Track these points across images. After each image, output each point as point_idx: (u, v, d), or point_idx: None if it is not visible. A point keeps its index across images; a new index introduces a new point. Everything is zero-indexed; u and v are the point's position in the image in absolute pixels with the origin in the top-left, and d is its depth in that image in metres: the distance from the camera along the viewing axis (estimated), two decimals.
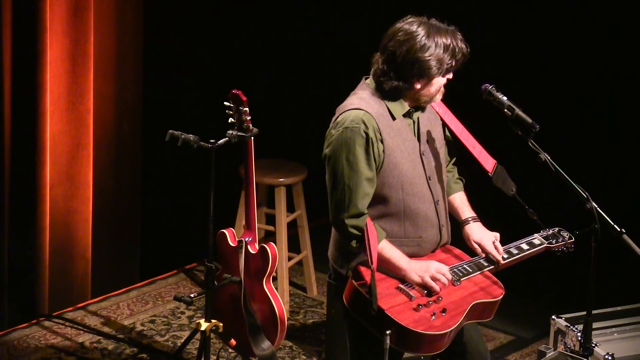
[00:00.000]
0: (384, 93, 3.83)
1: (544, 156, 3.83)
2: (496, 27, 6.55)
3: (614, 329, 4.78)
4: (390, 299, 3.75)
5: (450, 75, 3.83)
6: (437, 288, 3.82)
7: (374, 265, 3.67)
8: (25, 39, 5.46)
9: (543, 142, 3.89)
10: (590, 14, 6.35)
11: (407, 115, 3.87)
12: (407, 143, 3.85)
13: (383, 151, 3.79)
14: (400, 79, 3.79)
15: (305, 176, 5.98)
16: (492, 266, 3.97)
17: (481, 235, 4.02)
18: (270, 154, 5.97)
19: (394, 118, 3.83)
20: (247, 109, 4.79)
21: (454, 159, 4.14)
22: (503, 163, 4.06)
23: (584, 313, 3.96)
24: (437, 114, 4.01)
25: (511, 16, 6.57)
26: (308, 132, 6.93)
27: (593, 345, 4.12)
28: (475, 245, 4.01)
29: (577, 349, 4.39)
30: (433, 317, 3.74)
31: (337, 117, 3.83)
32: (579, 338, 4.27)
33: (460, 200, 4.10)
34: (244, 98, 4.77)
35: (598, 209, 3.81)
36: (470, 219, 4.06)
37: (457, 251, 4.03)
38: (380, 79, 3.83)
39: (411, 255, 3.88)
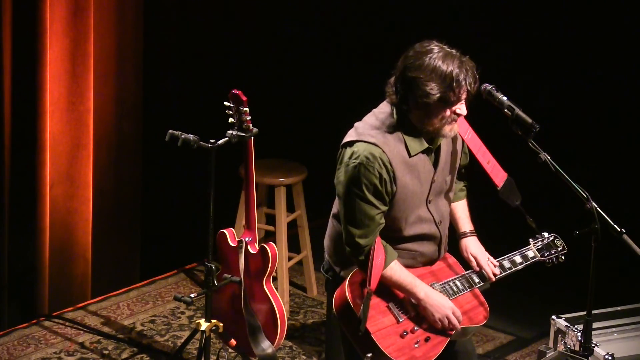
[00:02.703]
0: (405, 126, 3.73)
1: (544, 156, 3.83)
2: (496, 27, 6.55)
3: (614, 329, 4.77)
4: (378, 320, 3.75)
5: (459, 110, 3.69)
6: (439, 326, 3.81)
7: (372, 288, 3.66)
8: (25, 39, 5.46)
9: (543, 142, 3.89)
10: (591, 12, 6.35)
11: (425, 151, 3.79)
12: (421, 175, 3.79)
13: (395, 190, 3.74)
14: (400, 97, 3.70)
15: (305, 176, 5.98)
16: (483, 283, 3.97)
17: (478, 250, 4.01)
18: (270, 154, 5.97)
19: (410, 155, 3.75)
20: (247, 109, 4.79)
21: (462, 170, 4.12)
22: (502, 162, 4.06)
23: (584, 313, 3.96)
24: (458, 134, 3.91)
25: (511, 15, 6.57)
26: (308, 132, 6.95)
27: (593, 345, 4.12)
28: (471, 258, 3.99)
29: (577, 349, 4.38)
30: (416, 345, 3.75)
31: (353, 144, 3.73)
32: (579, 338, 4.27)
33: (462, 211, 4.08)
34: (244, 98, 4.76)
35: (598, 209, 3.81)
36: (468, 232, 4.05)
37: (452, 260, 4.02)
38: (389, 94, 3.75)
39: (404, 266, 3.85)
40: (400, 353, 3.72)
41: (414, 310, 3.82)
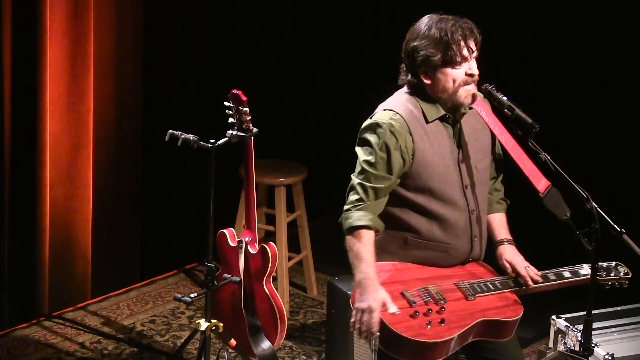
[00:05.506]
0: (420, 95, 3.78)
1: (544, 156, 3.82)
2: (496, 27, 6.55)
3: (614, 329, 4.77)
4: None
5: (470, 70, 3.73)
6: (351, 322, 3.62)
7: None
8: (25, 39, 5.46)
9: (543, 142, 3.89)
10: (591, 12, 6.35)
11: (445, 120, 3.81)
12: (442, 148, 3.79)
13: (413, 154, 3.74)
14: (410, 72, 3.77)
15: (305, 176, 5.98)
16: (518, 287, 3.92)
17: (513, 256, 3.96)
18: (270, 154, 5.97)
19: (427, 121, 3.77)
20: (247, 109, 4.79)
21: (500, 176, 4.09)
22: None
23: (584, 313, 3.96)
24: (487, 125, 3.92)
25: (511, 15, 6.57)
26: (308, 132, 6.95)
27: (593, 345, 4.12)
28: (507, 265, 3.94)
29: (577, 349, 4.38)
30: (428, 326, 3.66)
31: (372, 115, 3.79)
32: (579, 338, 4.27)
33: (499, 221, 4.03)
34: (244, 98, 4.76)
35: (598, 208, 3.80)
36: (505, 240, 3.99)
37: (488, 268, 3.97)
38: (401, 75, 3.81)
39: (438, 262, 3.83)
40: (408, 329, 3.62)
41: (434, 298, 3.74)
